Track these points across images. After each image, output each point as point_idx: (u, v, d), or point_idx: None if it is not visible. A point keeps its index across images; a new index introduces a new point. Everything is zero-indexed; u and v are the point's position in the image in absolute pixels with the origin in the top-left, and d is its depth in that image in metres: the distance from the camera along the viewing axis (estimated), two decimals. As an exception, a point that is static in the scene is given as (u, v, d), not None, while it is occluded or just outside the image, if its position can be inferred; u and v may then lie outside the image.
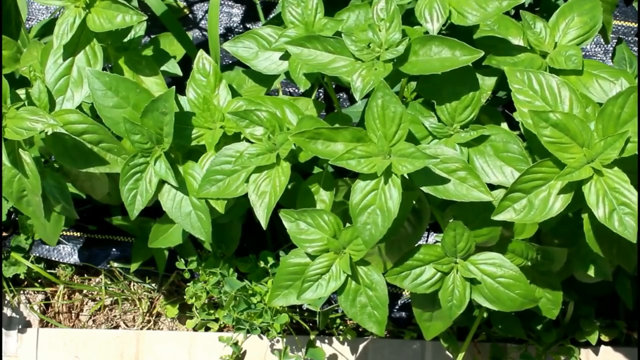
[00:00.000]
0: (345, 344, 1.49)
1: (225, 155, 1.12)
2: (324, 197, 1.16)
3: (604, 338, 1.45)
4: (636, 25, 1.52)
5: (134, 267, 1.51)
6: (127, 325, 1.59)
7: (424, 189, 1.01)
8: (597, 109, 1.00)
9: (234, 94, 1.21)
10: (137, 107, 1.13)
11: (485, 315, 1.36)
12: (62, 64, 1.17)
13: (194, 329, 1.55)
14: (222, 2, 1.59)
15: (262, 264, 1.43)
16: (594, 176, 0.94)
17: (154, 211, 1.28)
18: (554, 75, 1.00)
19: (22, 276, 1.55)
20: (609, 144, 0.93)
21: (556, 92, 0.99)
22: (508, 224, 1.08)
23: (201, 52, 1.18)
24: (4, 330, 1.53)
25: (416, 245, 1.11)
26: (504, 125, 1.17)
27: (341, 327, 1.50)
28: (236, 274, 1.42)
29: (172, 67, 1.31)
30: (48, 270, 1.57)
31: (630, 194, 0.92)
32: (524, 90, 1.01)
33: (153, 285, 1.57)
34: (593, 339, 1.43)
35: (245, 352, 1.50)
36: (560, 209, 0.96)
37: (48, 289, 1.59)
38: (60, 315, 1.59)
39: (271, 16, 1.53)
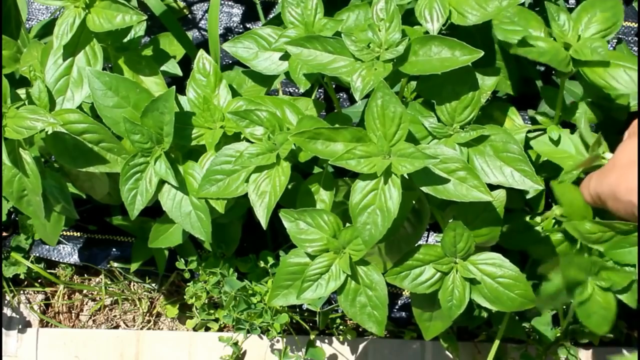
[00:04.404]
0: (345, 343, 1.49)
1: (225, 155, 1.11)
2: (324, 197, 1.16)
3: (605, 338, 1.45)
4: (636, 25, 1.52)
5: (134, 267, 1.51)
6: (127, 325, 1.59)
7: (424, 189, 1.01)
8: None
9: (234, 93, 1.21)
10: (137, 107, 1.13)
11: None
12: (62, 64, 1.17)
13: (194, 329, 1.55)
14: (222, 2, 1.59)
15: (262, 264, 1.43)
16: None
17: (154, 211, 1.28)
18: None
19: (22, 276, 1.55)
20: None
21: None
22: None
23: (201, 52, 1.18)
24: (4, 330, 1.54)
25: (416, 245, 1.11)
26: (517, 118, 1.17)
27: (341, 327, 1.50)
28: (236, 274, 1.42)
29: (172, 67, 1.31)
30: (48, 270, 1.57)
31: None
32: None
33: (153, 285, 1.57)
34: (595, 339, 1.43)
35: (245, 352, 1.50)
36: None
37: (48, 289, 1.59)
38: (60, 315, 1.59)
39: (271, 16, 1.53)
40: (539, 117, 1.19)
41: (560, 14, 1.10)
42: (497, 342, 1.29)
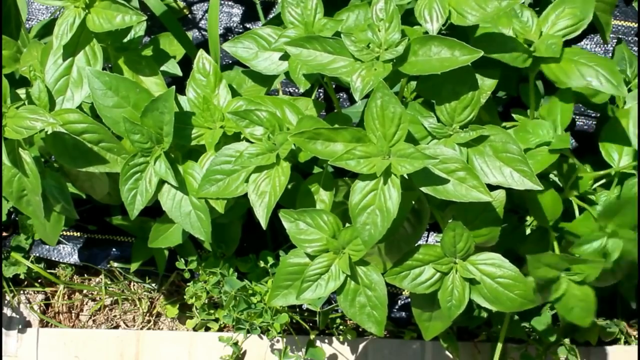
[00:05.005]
0: (345, 343, 1.49)
1: (225, 155, 1.12)
2: (323, 197, 1.16)
3: (604, 338, 1.45)
4: (636, 25, 1.52)
5: (134, 267, 1.51)
6: (127, 325, 1.59)
7: (424, 189, 1.01)
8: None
9: (234, 93, 1.21)
10: (137, 107, 1.13)
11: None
12: (62, 64, 1.17)
13: (194, 329, 1.55)
14: (222, 2, 1.59)
15: (262, 264, 1.43)
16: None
17: (154, 211, 1.28)
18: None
19: (22, 276, 1.55)
20: None
21: None
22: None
23: (201, 52, 1.18)
24: (4, 330, 1.54)
25: (416, 245, 1.11)
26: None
27: (341, 327, 1.50)
28: (236, 273, 1.42)
29: (172, 67, 1.31)
30: (48, 270, 1.57)
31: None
32: None
33: (153, 285, 1.57)
34: (593, 339, 1.43)
35: (245, 352, 1.50)
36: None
37: (48, 289, 1.59)
38: (60, 315, 1.59)
39: (271, 16, 1.53)
40: (515, 115, 1.20)
41: (524, 10, 1.11)
42: (499, 346, 1.29)
